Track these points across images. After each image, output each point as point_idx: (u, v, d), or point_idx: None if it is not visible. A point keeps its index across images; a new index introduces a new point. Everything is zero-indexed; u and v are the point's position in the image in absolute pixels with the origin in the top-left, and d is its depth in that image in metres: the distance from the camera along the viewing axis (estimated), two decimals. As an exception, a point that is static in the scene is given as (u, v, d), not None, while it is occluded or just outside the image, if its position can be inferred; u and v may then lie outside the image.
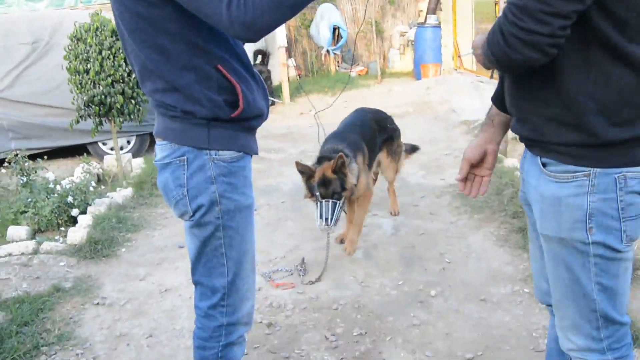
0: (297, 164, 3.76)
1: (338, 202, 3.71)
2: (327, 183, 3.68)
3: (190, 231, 1.95)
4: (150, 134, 6.89)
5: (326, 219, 3.65)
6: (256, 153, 2.02)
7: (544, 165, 1.56)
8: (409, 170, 5.63)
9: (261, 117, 1.97)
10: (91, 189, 4.76)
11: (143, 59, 1.82)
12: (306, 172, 3.75)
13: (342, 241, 4.20)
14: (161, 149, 1.92)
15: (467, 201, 4.76)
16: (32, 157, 5.04)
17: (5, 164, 4.76)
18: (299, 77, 11.48)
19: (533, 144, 1.61)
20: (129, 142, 6.74)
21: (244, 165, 1.95)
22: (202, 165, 1.86)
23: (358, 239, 4.11)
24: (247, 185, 1.97)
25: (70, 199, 4.53)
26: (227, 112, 1.84)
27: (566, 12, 1.31)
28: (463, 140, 6.62)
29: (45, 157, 5.43)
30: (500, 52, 1.41)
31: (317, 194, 3.69)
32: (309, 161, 6.24)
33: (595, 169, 1.46)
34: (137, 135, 6.72)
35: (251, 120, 1.93)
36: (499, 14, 5.62)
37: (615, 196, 1.47)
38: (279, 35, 9.98)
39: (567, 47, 1.40)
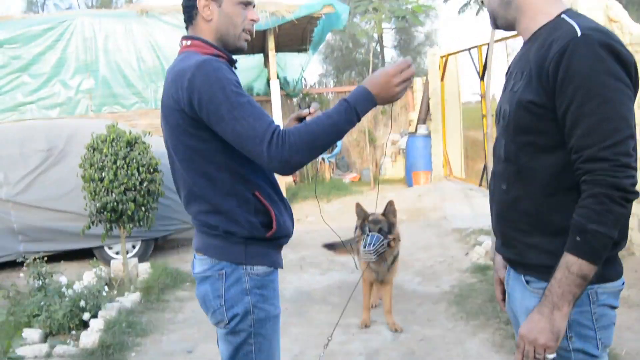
0: (357, 205, 4.63)
1: (382, 237, 4.41)
2: (377, 221, 4.49)
3: (225, 338, 2.17)
4: (156, 239, 7.13)
5: (369, 244, 4.34)
6: (282, 267, 2.29)
7: (527, 282, 1.83)
8: (404, 277, 5.87)
9: (288, 236, 2.26)
10: (104, 293, 4.95)
11: (191, 184, 2.12)
12: (362, 214, 4.57)
13: (366, 325, 4.76)
14: (201, 262, 2.19)
15: (463, 308, 4.98)
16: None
17: (24, 268, 4.95)
18: (295, 184, 11.87)
19: (517, 264, 1.89)
20: (134, 247, 6.95)
21: (273, 279, 2.22)
22: (239, 278, 2.12)
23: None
24: (275, 296, 2.23)
25: (82, 303, 4.71)
26: (262, 232, 2.12)
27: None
28: (455, 248, 6.89)
29: (62, 261, 5.63)
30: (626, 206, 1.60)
31: (367, 228, 4.43)
32: (310, 267, 6.49)
33: None
34: (142, 240, 6.94)
35: (281, 239, 2.22)
36: (487, 129, 5.96)
37: (590, 309, 1.71)
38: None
39: (553, 189, 1.71)
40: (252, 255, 2.12)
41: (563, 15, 1.75)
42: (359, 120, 1.99)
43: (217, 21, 2.15)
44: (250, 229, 2.09)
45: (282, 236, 2.20)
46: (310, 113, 2.27)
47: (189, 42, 2.17)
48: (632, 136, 1.62)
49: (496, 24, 1.96)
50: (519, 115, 1.76)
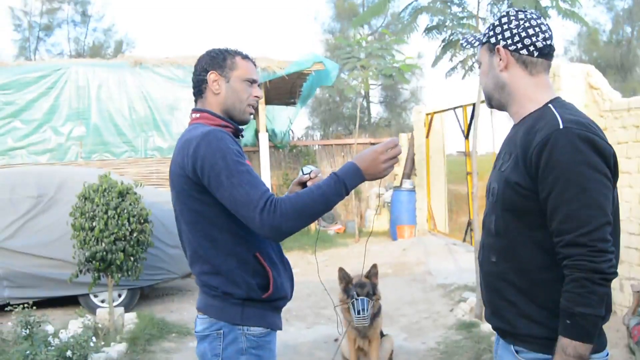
0: (340, 269, 4.69)
1: (371, 300, 4.49)
2: (362, 285, 4.56)
3: (221, 396, 2.23)
4: (142, 289, 7.12)
5: (362, 310, 4.41)
6: (280, 329, 2.37)
7: (516, 352, 1.91)
8: (390, 332, 5.88)
9: (285, 298, 2.35)
10: (91, 344, 4.92)
11: (195, 246, 2.22)
12: (345, 278, 4.64)
13: None
14: (201, 321, 2.27)
15: (448, 365, 5.02)
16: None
17: (13, 317, 4.92)
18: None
19: (506, 334, 1.97)
20: (119, 296, 6.91)
21: (270, 340, 2.30)
22: (235, 338, 2.21)
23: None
24: (272, 357, 2.31)
25: (69, 352, 4.68)
26: (259, 294, 2.21)
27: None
28: (440, 304, 6.95)
29: (48, 308, 5.59)
30: (606, 282, 1.73)
31: (354, 293, 4.48)
32: (296, 321, 6.51)
33: None
34: (128, 289, 6.92)
35: (278, 301, 2.30)
36: (473, 188, 6.09)
37: None
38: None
39: (539, 265, 1.84)
40: (248, 317, 2.21)
41: (549, 105, 1.91)
42: (347, 193, 2.11)
43: (225, 95, 2.30)
44: (248, 290, 2.19)
45: (279, 298, 2.29)
46: (311, 178, 2.40)
47: (197, 115, 2.31)
48: (609, 223, 1.76)
49: (491, 104, 2.12)
50: (507, 194, 1.90)
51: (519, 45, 1.94)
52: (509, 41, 1.95)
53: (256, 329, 2.23)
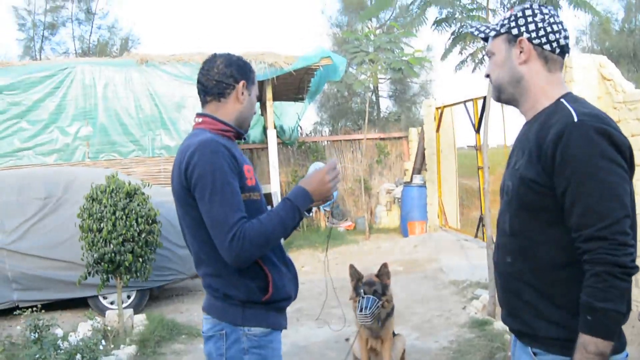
0: (351, 267, 4.65)
1: (377, 299, 4.41)
2: (371, 283, 4.50)
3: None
4: (151, 289, 7.08)
5: (365, 307, 4.34)
6: (285, 328, 2.39)
7: (535, 354, 1.85)
8: (402, 331, 5.81)
9: (289, 299, 2.37)
10: (101, 347, 4.87)
11: (197, 249, 2.27)
12: (355, 276, 4.60)
13: None
14: (206, 322, 2.32)
15: (461, 365, 4.94)
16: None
17: (22, 321, 4.88)
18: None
19: (523, 335, 1.91)
20: (129, 297, 6.88)
21: (272, 339, 2.31)
22: (237, 339, 2.24)
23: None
24: (275, 356, 2.33)
25: (78, 356, 4.63)
26: (259, 296, 2.24)
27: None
28: (453, 301, 6.86)
29: (57, 310, 5.55)
30: (626, 282, 1.67)
31: (362, 290, 4.43)
32: (307, 320, 6.43)
33: None
34: (137, 290, 6.88)
35: (280, 302, 2.32)
36: (485, 184, 5.99)
37: None
38: (272, 193, 10.47)
39: (556, 263, 1.78)
40: (249, 318, 2.24)
41: (562, 99, 1.87)
42: (301, 218, 2.21)
43: (245, 107, 2.38)
44: (247, 293, 2.22)
45: (281, 299, 2.30)
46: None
47: (200, 120, 2.36)
48: (628, 215, 1.72)
49: (499, 98, 2.06)
50: (521, 192, 1.86)
51: (543, 39, 1.91)
52: (533, 34, 1.92)
53: (257, 329, 2.26)
